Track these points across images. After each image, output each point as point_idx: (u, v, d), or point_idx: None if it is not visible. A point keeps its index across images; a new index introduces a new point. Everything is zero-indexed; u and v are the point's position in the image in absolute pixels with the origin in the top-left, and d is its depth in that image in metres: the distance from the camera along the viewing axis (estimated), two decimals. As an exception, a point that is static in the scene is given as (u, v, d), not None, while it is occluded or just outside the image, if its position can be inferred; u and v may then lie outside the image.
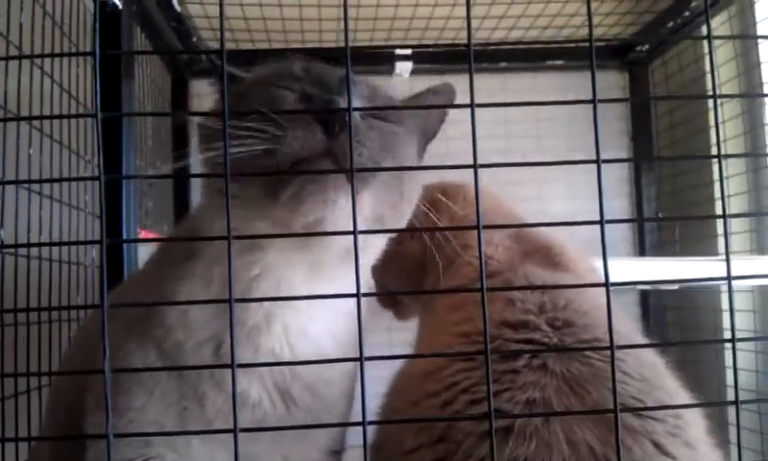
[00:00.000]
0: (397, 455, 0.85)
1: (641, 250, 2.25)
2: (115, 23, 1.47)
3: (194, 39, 1.99)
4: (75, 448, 0.87)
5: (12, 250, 1.25)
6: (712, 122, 1.90)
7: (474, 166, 0.58)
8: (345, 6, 0.60)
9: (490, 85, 2.19)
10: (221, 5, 0.60)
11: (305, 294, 0.83)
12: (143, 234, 1.66)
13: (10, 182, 0.79)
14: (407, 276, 1.25)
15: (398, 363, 1.02)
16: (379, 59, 2.13)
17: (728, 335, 0.62)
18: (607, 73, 2.31)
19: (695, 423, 0.83)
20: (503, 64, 2.24)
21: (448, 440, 0.80)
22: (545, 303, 0.94)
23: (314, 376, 0.87)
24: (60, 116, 1.53)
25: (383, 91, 0.88)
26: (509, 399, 0.80)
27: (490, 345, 0.58)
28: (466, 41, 0.59)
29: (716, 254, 1.87)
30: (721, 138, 0.65)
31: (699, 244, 2.00)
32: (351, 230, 0.59)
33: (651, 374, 0.84)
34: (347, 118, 0.67)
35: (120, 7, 1.47)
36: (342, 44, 0.59)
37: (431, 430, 0.83)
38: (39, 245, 1.38)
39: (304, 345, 0.85)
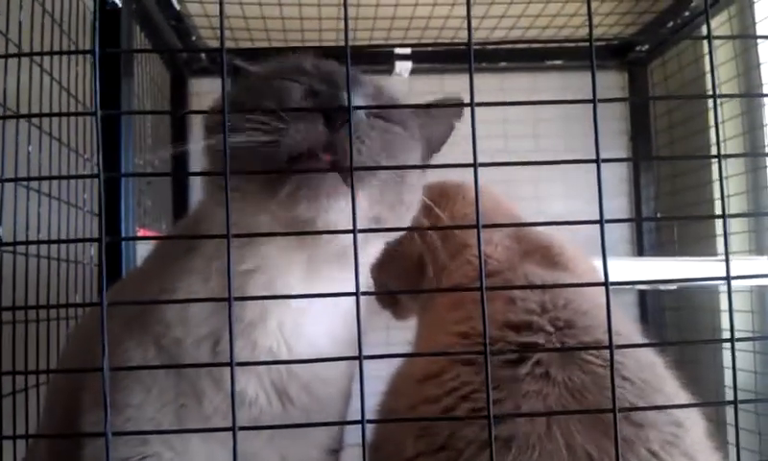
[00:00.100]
0: (396, 459, 0.85)
1: (640, 250, 2.25)
2: (115, 22, 1.47)
3: (193, 38, 1.99)
4: (72, 446, 0.86)
5: (11, 248, 1.25)
6: (711, 122, 1.90)
7: (474, 165, 0.58)
8: (345, 5, 0.60)
9: (488, 85, 2.19)
10: (221, 4, 0.60)
11: (301, 291, 0.83)
12: (142, 233, 1.66)
13: (9, 180, 0.79)
14: (406, 275, 1.25)
15: (397, 362, 1.02)
16: (379, 58, 2.13)
17: (726, 335, 0.62)
18: (606, 73, 2.32)
19: (695, 427, 0.82)
20: (502, 64, 2.24)
21: (449, 448, 0.80)
22: (546, 303, 0.93)
23: (311, 376, 0.87)
24: (60, 114, 1.53)
25: (389, 92, 0.88)
26: (511, 408, 0.80)
27: (492, 347, 0.58)
28: (465, 41, 0.59)
29: (715, 254, 1.87)
30: (720, 138, 0.65)
31: (697, 244, 2.00)
32: (347, 229, 0.59)
33: (650, 376, 0.84)
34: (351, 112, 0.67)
35: (120, 5, 1.47)
36: (341, 43, 0.59)
37: (432, 438, 0.82)
38: (38, 242, 1.38)
39: (302, 344, 0.85)
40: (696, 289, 2.02)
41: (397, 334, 1.47)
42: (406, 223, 0.85)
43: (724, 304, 1.87)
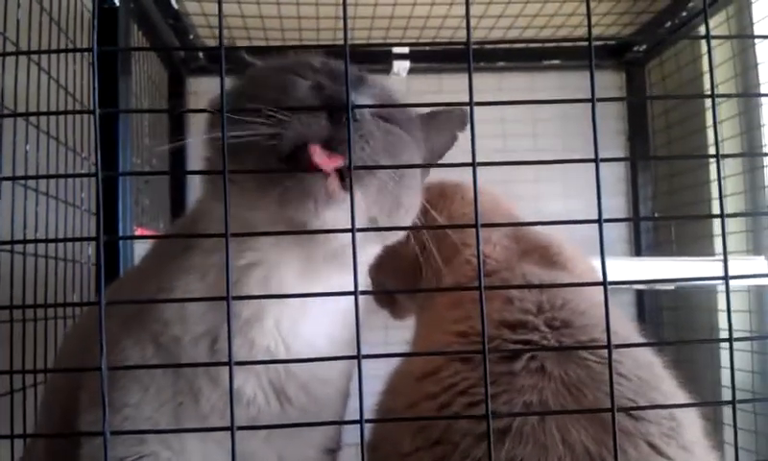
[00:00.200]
0: (394, 457, 0.85)
1: (637, 249, 2.25)
2: (113, 20, 1.47)
3: (191, 37, 1.99)
4: (69, 446, 0.86)
5: (8, 246, 1.25)
6: (709, 122, 1.91)
7: (473, 164, 0.58)
8: (344, 4, 0.60)
9: (486, 85, 2.19)
10: (219, 2, 0.60)
11: (298, 290, 0.83)
12: (139, 232, 1.66)
13: (6, 179, 0.79)
14: (404, 274, 1.25)
15: (395, 361, 1.02)
16: (376, 57, 2.13)
17: (723, 335, 0.62)
18: (603, 73, 2.31)
19: (691, 425, 0.83)
20: (500, 64, 2.25)
21: (445, 442, 0.80)
22: (543, 303, 0.94)
23: (309, 376, 0.86)
24: (57, 112, 1.53)
25: (395, 96, 0.88)
26: (506, 401, 0.80)
27: (488, 345, 0.58)
28: (463, 40, 0.59)
29: (712, 254, 1.88)
30: (719, 138, 0.65)
31: (695, 244, 2.01)
32: (346, 228, 0.59)
33: (648, 375, 0.84)
34: (352, 110, 0.67)
35: (117, 4, 1.47)
36: (339, 42, 0.59)
37: (428, 433, 0.82)
38: (36, 241, 1.37)
39: (300, 344, 0.85)
40: (693, 289, 2.03)
41: (396, 334, 1.47)
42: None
43: (721, 304, 1.87)
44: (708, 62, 0.65)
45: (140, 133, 1.82)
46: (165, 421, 0.82)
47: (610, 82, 2.32)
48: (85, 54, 1.32)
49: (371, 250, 0.90)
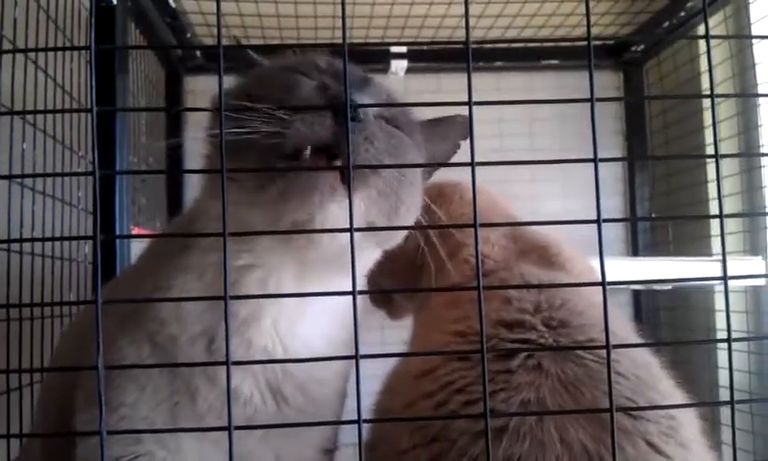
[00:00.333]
0: (392, 455, 0.85)
1: (634, 249, 2.25)
2: (110, 19, 1.46)
3: (188, 36, 1.98)
4: (65, 445, 0.86)
5: (5, 245, 1.24)
6: (707, 122, 1.91)
7: (472, 164, 0.58)
8: (342, 3, 0.60)
9: (484, 84, 2.19)
10: (217, 1, 0.59)
11: (295, 290, 0.83)
12: (136, 231, 1.65)
13: (3, 177, 0.79)
14: (401, 274, 1.25)
15: (392, 361, 1.02)
16: (374, 56, 2.13)
17: (721, 335, 0.62)
18: (601, 73, 2.31)
19: (689, 424, 0.83)
20: (498, 63, 2.25)
21: (442, 439, 0.80)
22: (541, 303, 0.94)
23: (306, 376, 0.86)
24: (54, 111, 1.53)
25: (398, 98, 0.88)
26: (504, 399, 0.80)
27: (485, 344, 0.58)
28: (461, 40, 0.59)
29: (709, 254, 1.88)
30: (717, 138, 0.65)
31: (692, 244, 2.01)
32: (344, 228, 0.59)
33: (645, 375, 0.84)
34: (357, 110, 0.67)
35: (115, 2, 1.47)
36: (337, 41, 0.59)
37: (426, 430, 0.82)
38: (32, 240, 1.37)
39: (297, 344, 0.84)
40: (690, 289, 2.03)
41: (392, 334, 1.47)
42: (401, 235, 0.85)
43: (718, 304, 1.87)
44: (708, 62, 0.65)
45: (137, 131, 1.82)
46: (161, 420, 0.82)
47: (607, 81, 2.32)
48: (83, 52, 1.31)
49: (369, 255, 0.89)
